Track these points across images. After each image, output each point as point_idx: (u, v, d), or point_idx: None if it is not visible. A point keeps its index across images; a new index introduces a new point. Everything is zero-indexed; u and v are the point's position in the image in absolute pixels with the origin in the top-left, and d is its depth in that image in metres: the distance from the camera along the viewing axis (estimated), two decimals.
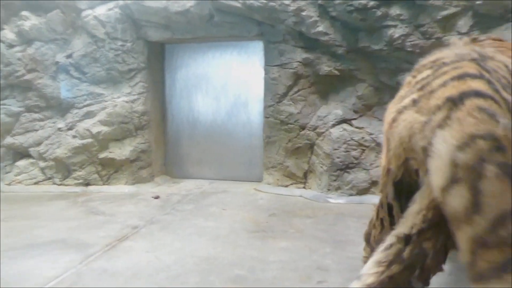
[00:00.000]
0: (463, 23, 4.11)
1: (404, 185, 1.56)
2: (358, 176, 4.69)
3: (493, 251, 1.21)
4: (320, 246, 3.28)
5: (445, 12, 4.13)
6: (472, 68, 1.49)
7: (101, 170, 5.40)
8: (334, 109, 4.85)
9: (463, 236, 1.26)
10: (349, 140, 4.70)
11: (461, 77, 1.45)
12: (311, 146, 4.99)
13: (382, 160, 1.69)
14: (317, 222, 3.89)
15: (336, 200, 4.65)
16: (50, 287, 2.63)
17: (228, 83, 5.67)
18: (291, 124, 5.00)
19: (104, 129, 5.30)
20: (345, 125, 4.78)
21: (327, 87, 4.90)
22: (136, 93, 5.37)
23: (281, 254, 3.13)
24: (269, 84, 5.06)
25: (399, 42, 4.27)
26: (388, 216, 1.74)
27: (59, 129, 5.41)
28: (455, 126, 1.32)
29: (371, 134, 4.67)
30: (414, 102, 1.53)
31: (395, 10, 4.24)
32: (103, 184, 5.39)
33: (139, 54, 5.36)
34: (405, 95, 1.64)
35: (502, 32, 3.99)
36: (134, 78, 5.37)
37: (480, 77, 1.44)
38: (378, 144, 4.62)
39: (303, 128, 4.97)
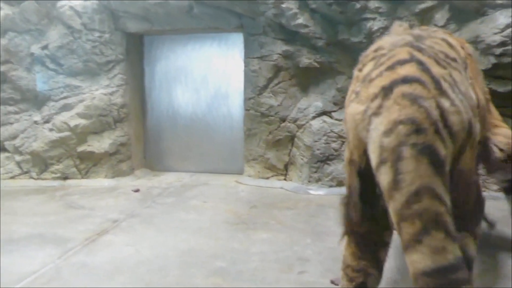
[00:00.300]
0: (440, 17, 4.17)
1: (367, 175, 1.63)
2: (338, 168, 4.73)
3: (409, 223, 1.37)
4: (301, 237, 3.32)
5: (422, 6, 4.18)
6: (404, 54, 1.62)
7: (80, 164, 5.32)
8: (314, 101, 4.88)
9: (391, 211, 1.43)
10: (329, 132, 4.73)
11: (392, 66, 1.59)
12: (291, 138, 5.01)
13: (346, 152, 1.80)
14: (298, 213, 3.92)
15: (317, 191, 4.69)
16: (28, 282, 2.59)
17: (208, 76, 5.64)
18: (271, 116, 5.01)
19: (82, 122, 5.21)
20: (325, 117, 4.81)
21: (307, 79, 4.92)
22: (115, 85, 5.30)
23: (262, 246, 3.15)
24: (250, 76, 5.05)
25: (377, 34, 4.30)
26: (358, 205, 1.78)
27: (35, 122, 5.30)
28: (385, 113, 1.47)
29: None
30: (357, 94, 1.66)
31: (374, 3, 4.27)
32: (82, 178, 5.31)
33: (117, 46, 5.27)
34: (354, 89, 1.76)
35: (477, 25, 4.07)
36: (112, 70, 5.28)
37: (410, 61, 1.57)
38: None
39: (283, 120, 4.99)
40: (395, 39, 1.82)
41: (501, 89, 4.13)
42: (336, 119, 4.78)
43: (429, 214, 1.35)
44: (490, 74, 4.10)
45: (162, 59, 5.77)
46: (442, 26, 4.15)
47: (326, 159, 4.75)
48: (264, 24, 4.83)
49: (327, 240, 3.26)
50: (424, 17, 4.20)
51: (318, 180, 4.78)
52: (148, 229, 3.54)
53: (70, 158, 5.30)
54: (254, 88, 5.03)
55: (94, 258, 2.95)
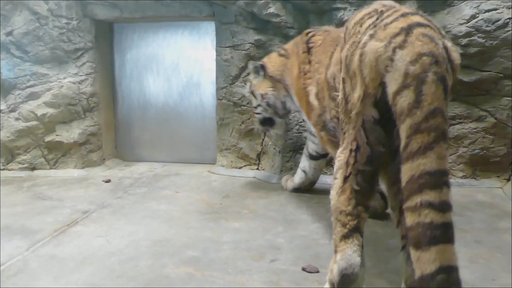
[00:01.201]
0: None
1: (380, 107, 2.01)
2: None
3: (425, 134, 1.75)
4: (273, 226, 3.35)
5: None
6: (407, 9, 2.11)
7: (48, 154, 5.20)
8: None
9: (404, 127, 1.80)
10: (301, 122, 4.77)
11: (404, 14, 2.01)
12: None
13: (356, 92, 2.07)
14: (270, 202, 3.96)
15: None
16: None
17: (180, 64, 5.58)
18: (244, 106, 5.01)
19: (50, 111, 5.09)
20: None
21: None
22: (84, 73, 5.18)
23: (234, 235, 3.18)
24: (222, 65, 5.02)
25: None
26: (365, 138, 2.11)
27: (1, 111, 5.14)
28: (409, 47, 1.83)
29: None
30: (371, 36, 1.99)
31: None
32: (50, 168, 5.20)
33: (85, 33, 5.15)
34: (358, 39, 2.08)
35: (444, 16, 4.16)
36: (81, 58, 5.16)
37: (416, 14, 2.04)
38: None
39: None
40: (384, 3, 2.28)
41: (467, 78, 4.24)
42: None
43: (440, 129, 1.77)
44: None
45: (132, 47, 5.67)
46: None
47: (298, 148, 4.80)
48: (236, 13, 4.81)
49: (298, 228, 3.31)
50: None
51: (290, 169, 4.82)
52: (119, 220, 3.51)
53: (38, 148, 5.18)
54: (227, 78, 5.01)
55: (63, 250, 2.91)
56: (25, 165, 5.18)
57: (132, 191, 4.38)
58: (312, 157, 4.14)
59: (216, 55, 5.08)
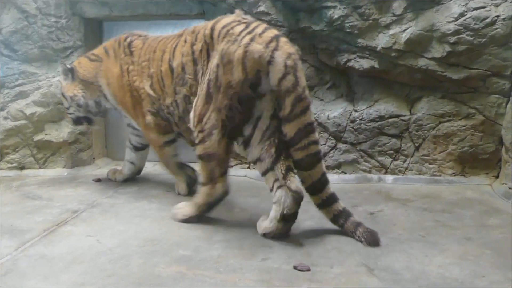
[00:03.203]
0: (398, 5, 4.27)
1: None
2: None
3: (303, 101, 2.94)
4: None
5: None
6: (266, 24, 3.16)
7: (37, 153, 5.15)
8: None
9: (290, 99, 2.89)
10: None
11: (268, 27, 3.08)
12: None
13: (234, 79, 2.93)
14: (261, 201, 3.95)
15: None
16: None
17: None
18: None
19: (39, 110, 5.05)
20: None
21: None
22: None
23: (226, 233, 3.17)
24: None
25: (338, 23, 4.36)
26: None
27: None
28: (281, 49, 2.90)
29: (313, 113, 4.76)
30: (252, 40, 2.92)
31: None
32: (40, 168, 5.16)
33: (74, 32, 5.11)
34: (234, 39, 2.99)
35: (433, 14, 4.19)
36: (70, 57, 5.11)
37: (272, 28, 3.13)
38: (320, 124, 4.73)
39: None
40: (240, 17, 3.26)
41: (455, 76, 4.28)
42: None
43: (309, 97, 3.01)
44: (445, 61, 4.25)
45: None
46: (400, 15, 4.26)
47: None
48: (226, 11, 4.79)
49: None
50: (383, 6, 4.29)
51: None
52: (110, 219, 3.49)
53: (27, 147, 5.13)
54: None
55: (53, 249, 2.88)
56: (14, 165, 5.14)
57: (122, 190, 4.35)
58: (137, 149, 4.68)
59: None
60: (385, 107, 4.64)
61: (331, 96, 4.84)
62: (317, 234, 3.15)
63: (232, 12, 4.74)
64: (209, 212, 3.40)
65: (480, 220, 3.42)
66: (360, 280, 2.46)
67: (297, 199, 2.94)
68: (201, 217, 3.39)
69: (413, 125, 4.58)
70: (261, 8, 4.53)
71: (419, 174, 4.63)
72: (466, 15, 4.07)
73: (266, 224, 3.12)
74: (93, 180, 4.70)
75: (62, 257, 2.76)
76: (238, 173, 4.97)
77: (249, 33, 2.96)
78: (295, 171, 3.04)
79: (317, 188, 3.07)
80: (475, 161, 4.49)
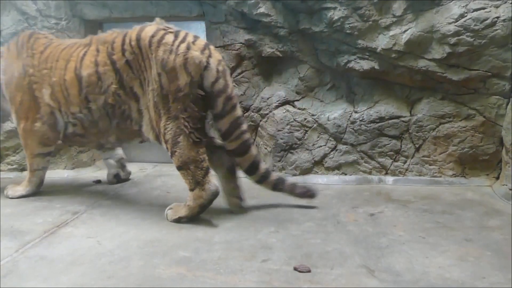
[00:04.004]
0: (398, 6, 4.27)
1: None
2: (301, 157, 4.79)
3: (233, 99, 3.48)
4: (265, 226, 3.35)
5: None
6: (193, 34, 3.51)
7: None
8: (277, 91, 4.91)
9: (221, 99, 3.40)
10: (292, 121, 4.78)
11: (196, 37, 3.46)
12: (255, 128, 5.03)
13: (181, 83, 3.29)
14: (262, 202, 3.95)
15: None
16: None
17: None
18: None
19: None
20: (288, 107, 4.86)
21: (270, 68, 4.94)
22: None
23: (226, 235, 3.17)
24: None
25: (338, 24, 4.36)
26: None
27: None
28: (214, 56, 3.39)
29: (313, 115, 4.77)
30: (188, 48, 3.31)
31: None
32: None
33: (75, 33, 5.11)
34: (171, 48, 3.32)
35: (433, 15, 4.19)
36: None
37: (198, 37, 3.51)
38: (320, 125, 4.73)
39: (247, 109, 4.99)
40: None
41: (455, 77, 4.28)
42: (299, 108, 4.83)
43: (236, 96, 3.54)
44: (445, 62, 4.25)
45: None
46: (400, 16, 4.26)
47: (289, 148, 4.81)
48: (226, 13, 4.80)
49: (290, 228, 3.31)
50: (383, 7, 4.29)
51: (281, 169, 4.82)
52: (110, 221, 3.49)
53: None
54: None
55: (53, 251, 2.88)
56: (14, 166, 5.14)
57: (123, 191, 4.36)
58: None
59: None
60: (385, 108, 4.64)
61: (331, 97, 4.84)
62: (317, 235, 3.15)
63: (231, 14, 4.79)
64: (201, 213, 3.45)
65: (480, 221, 3.42)
66: (360, 281, 2.45)
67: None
68: (193, 219, 3.43)
69: (414, 126, 4.57)
70: (261, 10, 4.53)
71: (420, 175, 4.62)
72: (466, 16, 4.07)
73: (181, 209, 3.47)
74: (93, 182, 4.70)
75: (62, 258, 2.76)
76: (238, 175, 4.97)
77: (182, 42, 3.33)
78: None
79: (254, 168, 3.66)
80: (475, 162, 4.49)
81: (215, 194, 3.41)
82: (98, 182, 4.70)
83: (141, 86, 3.50)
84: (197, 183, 3.37)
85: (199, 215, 3.44)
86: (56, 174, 5.07)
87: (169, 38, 3.35)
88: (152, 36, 3.38)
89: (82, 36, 5.16)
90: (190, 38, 3.38)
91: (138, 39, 3.43)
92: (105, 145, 4.39)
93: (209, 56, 3.33)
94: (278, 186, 3.74)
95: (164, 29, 3.44)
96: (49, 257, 2.79)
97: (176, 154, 3.38)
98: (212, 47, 3.44)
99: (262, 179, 3.72)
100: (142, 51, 3.42)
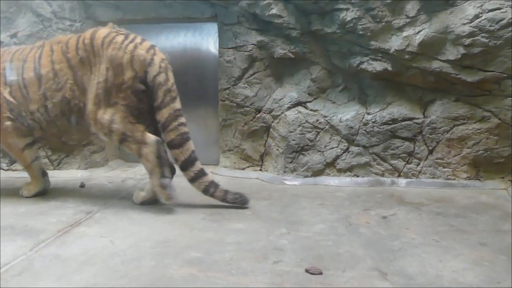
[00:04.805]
0: (411, 7, 4.24)
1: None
2: (313, 158, 4.78)
3: (172, 92, 3.79)
4: (276, 227, 3.34)
5: None
6: (138, 35, 3.86)
7: (51, 155, 5.21)
8: (289, 92, 4.90)
9: (161, 91, 3.72)
10: (304, 123, 4.77)
11: (144, 39, 3.82)
12: (267, 129, 5.03)
13: (126, 77, 3.67)
14: (273, 203, 3.95)
15: (292, 182, 4.73)
16: None
17: (183, 66, 5.58)
18: (247, 107, 5.01)
19: None
20: (300, 108, 4.85)
21: (282, 70, 4.94)
22: None
23: (238, 236, 3.17)
24: (224, 66, 5.03)
25: (350, 25, 4.34)
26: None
27: None
28: (157, 55, 3.76)
29: (325, 116, 4.76)
30: (135, 47, 3.69)
31: None
32: (54, 169, 5.21)
33: None
34: (120, 46, 3.69)
35: (447, 16, 4.15)
36: None
37: (145, 39, 3.86)
38: (332, 126, 4.72)
39: (259, 111, 5.00)
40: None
41: (470, 78, 4.23)
42: (311, 110, 4.82)
43: (176, 90, 3.83)
44: (459, 64, 4.20)
45: None
46: (413, 17, 4.23)
47: (301, 150, 4.80)
48: (238, 14, 4.82)
49: (302, 229, 3.29)
50: (396, 8, 4.26)
51: (293, 170, 4.82)
52: (122, 220, 3.51)
53: (41, 148, 5.19)
54: (229, 79, 5.02)
55: (67, 250, 2.91)
56: None
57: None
58: None
59: (219, 56, 5.09)
60: (398, 109, 4.60)
61: (343, 98, 4.82)
62: (329, 237, 3.13)
63: (243, 16, 4.79)
64: (161, 162, 3.74)
65: (495, 225, 3.37)
66: (372, 284, 2.43)
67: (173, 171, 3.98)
68: (162, 174, 3.74)
69: (427, 128, 4.54)
70: (273, 11, 4.53)
71: (433, 177, 4.58)
72: (481, 16, 4.03)
73: (143, 194, 3.93)
74: (80, 186, 4.63)
75: (75, 257, 2.79)
76: (249, 176, 4.99)
77: (131, 42, 3.72)
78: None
79: (189, 163, 3.78)
80: (490, 165, 4.43)
81: (158, 142, 3.72)
82: (83, 186, 4.64)
83: (89, 81, 3.81)
84: (139, 143, 3.73)
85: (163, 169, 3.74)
86: (70, 174, 5.12)
87: (119, 38, 3.73)
88: (105, 37, 3.75)
89: None
90: (138, 40, 3.77)
91: (92, 39, 3.77)
92: (67, 144, 4.50)
93: (154, 54, 3.73)
94: (209, 190, 3.83)
95: (116, 32, 3.82)
96: (63, 256, 2.81)
97: (114, 131, 3.72)
98: (157, 48, 3.84)
99: (195, 178, 3.81)
100: (94, 49, 3.75)
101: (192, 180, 3.83)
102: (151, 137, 3.73)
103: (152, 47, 3.80)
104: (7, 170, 5.21)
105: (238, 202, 3.83)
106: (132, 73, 3.66)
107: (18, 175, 5.06)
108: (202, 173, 3.84)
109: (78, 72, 3.84)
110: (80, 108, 3.91)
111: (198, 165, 3.83)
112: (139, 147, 3.74)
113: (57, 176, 5.02)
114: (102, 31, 3.82)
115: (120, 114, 3.69)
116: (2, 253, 2.85)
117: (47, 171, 5.12)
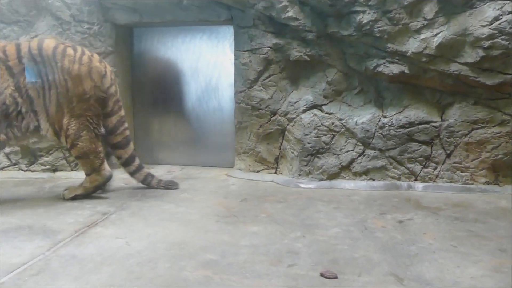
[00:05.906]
0: (429, 9, 4.19)
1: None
2: (328, 161, 4.75)
3: (120, 101, 4.48)
4: (291, 230, 3.33)
5: None
6: (83, 47, 4.32)
7: (69, 156, 5.28)
8: (304, 95, 4.89)
9: (112, 100, 4.31)
10: (319, 126, 4.75)
11: (90, 50, 4.39)
12: (282, 132, 5.02)
13: (87, 87, 4.03)
14: (288, 206, 3.94)
15: (307, 185, 4.71)
16: (17, 274, 2.58)
17: (199, 68, 5.62)
18: (262, 109, 5.01)
19: None
20: (315, 111, 4.83)
21: (297, 72, 4.93)
22: None
23: (252, 239, 3.16)
24: (240, 69, 5.04)
25: (367, 27, 4.31)
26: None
27: None
28: (108, 67, 4.32)
29: (341, 119, 4.73)
30: (90, 59, 4.07)
31: None
32: (71, 170, 5.29)
33: (106, 38, 5.23)
34: (75, 58, 3.99)
35: (466, 18, 4.09)
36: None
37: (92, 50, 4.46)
38: (348, 129, 4.69)
39: (274, 113, 4.99)
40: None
41: (489, 81, 4.17)
42: (327, 113, 4.80)
43: (121, 102, 4.48)
44: (478, 66, 4.14)
45: (152, 51, 5.73)
46: (431, 19, 4.18)
47: (316, 153, 4.77)
48: (254, 17, 4.82)
49: (317, 233, 3.28)
50: (413, 10, 4.22)
51: (308, 173, 4.80)
52: (138, 222, 3.54)
53: (60, 150, 5.27)
54: (245, 81, 5.03)
55: (84, 250, 2.94)
56: (47, 167, 5.28)
57: (151, 193, 4.41)
58: None
59: (235, 59, 5.10)
60: (415, 113, 4.55)
61: (359, 101, 4.79)
62: (344, 241, 3.11)
63: (259, 18, 4.80)
64: (94, 193, 4.24)
65: None
66: None
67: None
68: (87, 196, 4.19)
69: (445, 131, 4.48)
70: (290, 14, 4.52)
71: (451, 182, 4.52)
72: (501, 18, 3.96)
73: (77, 189, 4.21)
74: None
75: (92, 258, 2.82)
76: (264, 178, 4.98)
77: (82, 54, 4.06)
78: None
79: (131, 160, 4.55)
80: (510, 170, 4.35)
81: (109, 178, 4.26)
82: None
83: (36, 90, 3.97)
84: (94, 170, 4.16)
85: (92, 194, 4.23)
86: None
87: (70, 51, 4.03)
88: (55, 48, 3.99)
89: (113, 41, 5.30)
90: (88, 52, 4.15)
91: (40, 49, 3.97)
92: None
93: (105, 67, 4.21)
94: (146, 179, 4.61)
95: (62, 43, 4.10)
96: (80, 256, 2.85)
97: (78, 146, 4.07)
98: (105, 62, 4.34)
99: (135, 172, 4.59)
100: (43, 59, 3.95)
101: (133, 173, 4.59)
102: (106, 171, 4.22)
103: (101, 59, 4.27)
104: (26, 170, 5.29)
105: (168, 187, 4.59)
106: (92, 83, 4.04)
107: (37, 176, 5.14)
108: (140, 167, 4.63)
109: (21, 80, 3.95)
110: (20, 112, 3.98)
111: (137, 161, 4.60)
112: (91, 171, 4.17)
113: (74, 177, 5.09)
114: (50, 42, 4.04)
115: (87, 130, 4.07)
116: (20, 252, 2.90)
117: (65, 172, 5.24)
